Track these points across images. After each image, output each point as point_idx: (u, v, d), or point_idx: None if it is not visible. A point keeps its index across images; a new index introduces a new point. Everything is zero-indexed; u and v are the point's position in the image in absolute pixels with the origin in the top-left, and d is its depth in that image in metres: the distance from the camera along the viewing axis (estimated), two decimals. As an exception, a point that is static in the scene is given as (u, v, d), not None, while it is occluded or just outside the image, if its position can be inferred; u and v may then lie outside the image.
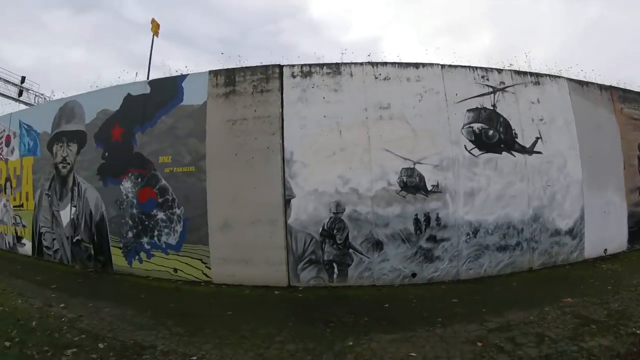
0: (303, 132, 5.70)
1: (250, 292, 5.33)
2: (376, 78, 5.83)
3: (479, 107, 5.99)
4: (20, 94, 17.28)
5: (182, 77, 6.33)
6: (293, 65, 5.91)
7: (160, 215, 6.14)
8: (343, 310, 4.50)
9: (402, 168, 5.64)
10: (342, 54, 6.31)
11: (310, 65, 5.89)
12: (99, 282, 6.12)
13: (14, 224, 8.32)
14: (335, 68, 5.87)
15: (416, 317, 4.23)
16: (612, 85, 7.24)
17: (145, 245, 6.25)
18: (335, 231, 5.57)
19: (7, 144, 8.64)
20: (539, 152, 6.18)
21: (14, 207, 8.36)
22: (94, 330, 3.94)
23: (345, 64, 5.90)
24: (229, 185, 5.78)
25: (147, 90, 6.51)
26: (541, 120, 6.27)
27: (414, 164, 5.66)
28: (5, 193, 8.62)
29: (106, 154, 6.72)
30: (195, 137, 6.04)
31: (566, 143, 6.40)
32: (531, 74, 6.46)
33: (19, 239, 8.22)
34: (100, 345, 3.57)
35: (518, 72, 6.38)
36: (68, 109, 7.36)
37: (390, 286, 5.45)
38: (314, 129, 5.70)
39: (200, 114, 6.03)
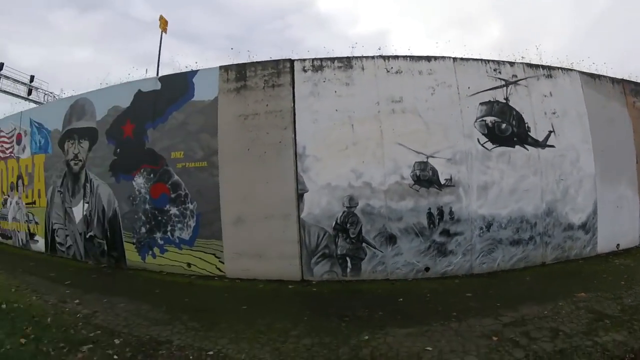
0: (315, 126, 5.70)
1: (264, 287, 5.35)
2: (388, 71, 5.81)
3: (492, 100, 5.95)
4: (29, 92, 17.35)
5: (193, 72, 6.34)
6: (304, 60, 5.90)
7: (173, 210, 6.18)
8: (357, 305, 4.51)
9: (415, 162, 5.62)
10: (353, 47, 6.29)
11: (321, 60, 5.88)
12: (112, 277, 6.17)
13: (26, 221, 8.40)
14: (346, 62, 5.85)
15: (431, 311, 4.22)
16: (624, 78, 7.16)
17: (159, 241, 6.29)
18: (348, 225, 5.57)
19: (19, 142, 8.71)
20: (552, 146, 6.13)
21: (26, 204, 8.44)
22: (109, 326, 3.94)
23: (357, 57, 5.88)
24: (241, 180, 5.80)
25: (158, 86, 6.53)
26: (554, 113, 6.22)
27: (427, 157, 5.64)
28: (18, 191, 8.70)
29: (118, 150, 6.76)
30: (207, 132, 6.06)
31: (579, 137, 6.34)
32: (543, 67, 6.40)
33: (31, 235, 8.30)
34: (116, 341, 3.57)
35: (530, 65, 6.32)
36: (79, 106, 7.40)
37: (403, 280, 5.46)
38: (326, 123, 5.69)
39: (212, 109, 6.04)
